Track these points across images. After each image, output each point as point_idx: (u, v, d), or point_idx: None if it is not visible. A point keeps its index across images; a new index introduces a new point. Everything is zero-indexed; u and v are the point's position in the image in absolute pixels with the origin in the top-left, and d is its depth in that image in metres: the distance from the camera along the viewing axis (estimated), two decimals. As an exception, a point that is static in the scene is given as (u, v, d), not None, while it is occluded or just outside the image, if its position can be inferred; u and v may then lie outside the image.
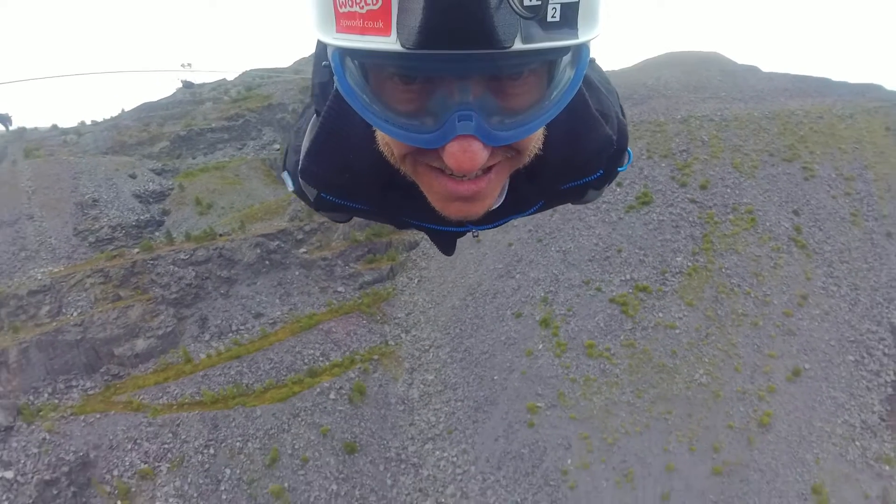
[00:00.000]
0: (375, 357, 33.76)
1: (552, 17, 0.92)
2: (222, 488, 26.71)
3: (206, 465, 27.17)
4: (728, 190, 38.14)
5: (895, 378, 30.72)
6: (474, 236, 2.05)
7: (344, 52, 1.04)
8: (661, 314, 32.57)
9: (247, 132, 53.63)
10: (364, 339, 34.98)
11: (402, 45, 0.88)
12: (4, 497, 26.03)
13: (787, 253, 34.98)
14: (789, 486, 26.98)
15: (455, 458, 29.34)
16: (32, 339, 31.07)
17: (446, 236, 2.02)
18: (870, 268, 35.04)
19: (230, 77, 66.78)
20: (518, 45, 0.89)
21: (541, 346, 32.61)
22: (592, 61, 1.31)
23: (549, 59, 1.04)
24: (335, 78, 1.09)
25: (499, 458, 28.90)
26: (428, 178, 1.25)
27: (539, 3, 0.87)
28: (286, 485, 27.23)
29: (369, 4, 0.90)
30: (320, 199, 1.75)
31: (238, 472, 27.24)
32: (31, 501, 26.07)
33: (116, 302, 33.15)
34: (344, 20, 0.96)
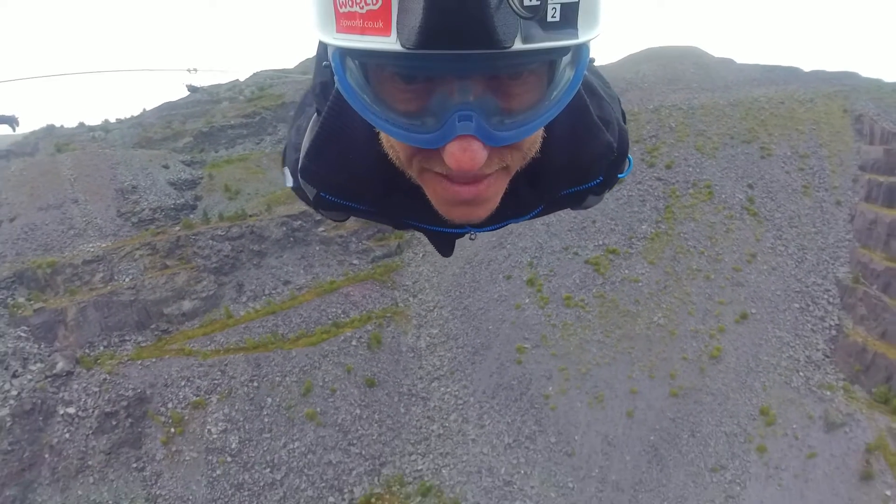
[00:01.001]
0: (388, 315, 39.13)
1: (552, 17, 0.93)
2: (265, 413, 32.01)
3: (251, 396, 32.44)
4: (690, 169, 42.95)
5: (839, 322, 34.11)
6: (471, 238, 2.08)
7: (344, 52, 1.06)
8: (627, 271, 37.95)
9: (263, 128, 58.30)
10: (378, 302, 40.26)
11: (402, 46, 0.89)
12: (66, 430, 29.32)
13: (739, 219, 39.81)
14: (739, 408, 31.54)
15: (457, 392, 34.80)
16: (89, 300, 34.48)
17: (445, 238, 2.03)
18: (818, 231, 38.83)
19: (241, 78, 72.16)
20: (518, 45, 0.90)
21: (527, 301, 38.00)
22: (592, 63, 1.28)
23: (548, 59, 1.05)
24: (335, 78, 1.10)
25: (493, 389, 34.38)
26: (432, 181, 1.26)
27: (539, 3, 0.87)
28: (318, 409, 32.66)
29: (369, 4, 0.91)
30: (319, 199, 1.74)
31: (278, 400, 32.58)
32: (91, 432, 29.48)
33: (164, 270, 38.38)
34: (344, 20, 0.98)
